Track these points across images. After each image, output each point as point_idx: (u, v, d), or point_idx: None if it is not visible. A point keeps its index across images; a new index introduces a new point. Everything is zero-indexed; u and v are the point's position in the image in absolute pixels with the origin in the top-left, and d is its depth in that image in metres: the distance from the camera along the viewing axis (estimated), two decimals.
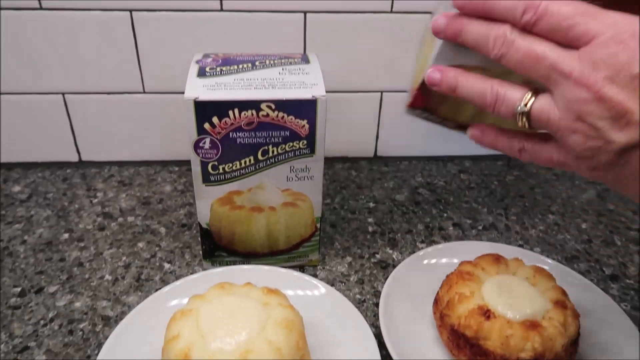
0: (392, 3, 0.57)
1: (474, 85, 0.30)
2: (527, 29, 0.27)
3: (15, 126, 0.61)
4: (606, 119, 0.25)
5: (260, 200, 0.44)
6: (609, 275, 0.50)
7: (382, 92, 0.63)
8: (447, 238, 0.54)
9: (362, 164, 0.67)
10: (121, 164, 0.65)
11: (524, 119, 0.28)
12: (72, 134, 0.62)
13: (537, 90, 0.28)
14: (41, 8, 0.54)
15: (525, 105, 0.28)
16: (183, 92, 0.39)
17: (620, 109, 0.24)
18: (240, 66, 0.43)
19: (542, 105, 0.27)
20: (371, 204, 0.59)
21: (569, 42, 0.26)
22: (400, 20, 0.58)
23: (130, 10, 0.55)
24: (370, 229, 0.55)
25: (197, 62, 0.43)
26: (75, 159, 0.64)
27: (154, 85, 0.60)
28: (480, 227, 0.56)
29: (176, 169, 0.64)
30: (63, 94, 0.59)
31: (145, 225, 0.54)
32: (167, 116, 0.62)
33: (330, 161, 0.67)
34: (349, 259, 0.51)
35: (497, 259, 0.41)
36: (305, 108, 0.40)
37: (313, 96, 0.40)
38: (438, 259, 0.48)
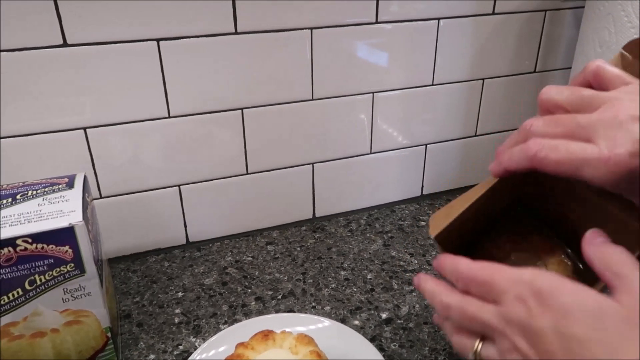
0: None
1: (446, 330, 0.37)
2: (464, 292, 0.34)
3: None
4: None
5: (39, 325, 0.45)
6: (384, 320, 0.58)
7: (179, 185, 0.68)
8: (248, 314, 0.59)
9: (175, 253, 0.71)
10: None
11: None
12: None
13: (484, 337, 0.34)
14: None
15: (475, 353, 0.34)
16: None
17: (528, 356, 0.30)
18: None
19: (487, 351, 0.33)
20: (180, 294, 0.63)
21: (491, 299, 0.32)
22: None
23: None
24: (176, 320, 0.58)
25: None
26: None
27: None
28: (279, 297, 0.62)
29: None
30: None
31: None
32: None
33: (143, 256, 0.70)
34: (152, 356, 0.53)
35: (266, 335, 0.47)
36: (64, 235, 0.43)
37: (70, 224, 0.43)
38: (229, 345, 0.52)
